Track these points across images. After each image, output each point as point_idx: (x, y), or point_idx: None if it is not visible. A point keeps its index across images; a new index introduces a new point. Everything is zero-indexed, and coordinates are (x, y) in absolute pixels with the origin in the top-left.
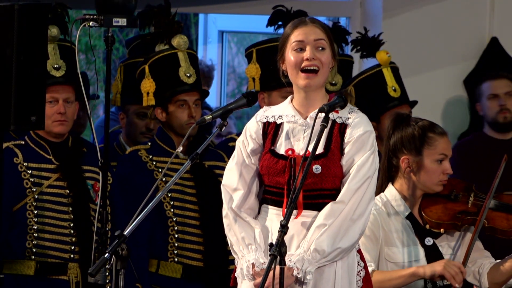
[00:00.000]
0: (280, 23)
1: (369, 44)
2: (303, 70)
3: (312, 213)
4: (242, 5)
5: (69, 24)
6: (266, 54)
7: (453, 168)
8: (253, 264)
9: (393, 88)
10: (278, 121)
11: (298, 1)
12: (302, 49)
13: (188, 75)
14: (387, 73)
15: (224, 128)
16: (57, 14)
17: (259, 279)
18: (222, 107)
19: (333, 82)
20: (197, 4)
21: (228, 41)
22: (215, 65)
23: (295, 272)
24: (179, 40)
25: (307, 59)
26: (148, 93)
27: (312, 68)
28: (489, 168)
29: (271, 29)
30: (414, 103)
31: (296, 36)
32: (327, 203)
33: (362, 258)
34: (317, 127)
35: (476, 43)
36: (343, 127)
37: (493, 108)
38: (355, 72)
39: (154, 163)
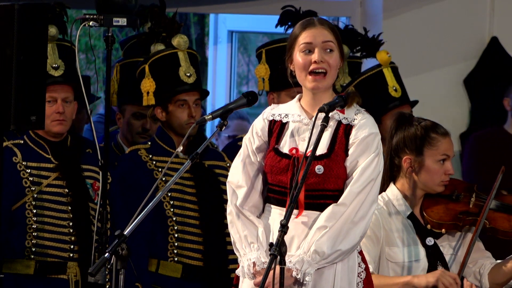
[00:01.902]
0: (289, 23)
1: (369, 44)
2: (311, 73)
3: (314, 213)
4: (251, 4)
5: (68, 24)
6: (276, 54)
7: (464, 158)
8: (254, 263)
9: (394, 88)
10: (284, 120)
11: (299, 0)
12: (310, 51)
13: (188, 74)
14: (388, 73)
15: (224, 128)
16: (55, 14)
17: (259, 278)
18: (222, 107)
19: (344, 84)
20: (207, 3)
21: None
22: (225, 64)
23: (294, 273)
24: (179, 40)
25: (315, 62)
26: (148, 93)
27: (320, 70)
28: (504, 164)
29: (277, 29)
30: (415, 103)
31: (304, 38)
32: (329, 204)
33: (363, 259)
34: (318, 127)
35: (476, 43)
36: (349, 128)
37: None
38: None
39: (154, 162)
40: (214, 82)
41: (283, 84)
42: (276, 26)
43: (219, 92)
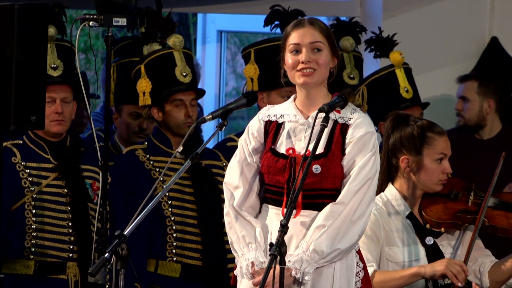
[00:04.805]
0: (277, 22)
1: (383, 44)
2: (299, 71)
3: (312, 213)
4: (241, 5)
5: (68, 24)
6: (264, 54)
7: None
8: (252, 263)
9: (406, 89)
10: (280, 120)
11: (298, 1)
12: (298, 51)
13: (184, 74)
14: (400, 74)
15: (224, 127)
16: (54, 14)
17: (258, 278)
18: (222, 107)
19: (351, 75)
20: (196, 4)
21: (228, 41)
22: (214, 64)
23: (293, 273)
24: (174, 40)
25: (302, 62)
26: (144, 93)
27: (308, 70)
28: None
29: (267, 29)
30: (426, 104)
31: (292, 38)
32: (327, 203)
33: (361, 259)
34: (317, 127)
35: (476, 43)
36: (345, 127)
37: None
38: (369, 70)
39: (152, 162)
40: (203, 82)
41: (275, 84)
42: (264, 25)
43: (208, 91)
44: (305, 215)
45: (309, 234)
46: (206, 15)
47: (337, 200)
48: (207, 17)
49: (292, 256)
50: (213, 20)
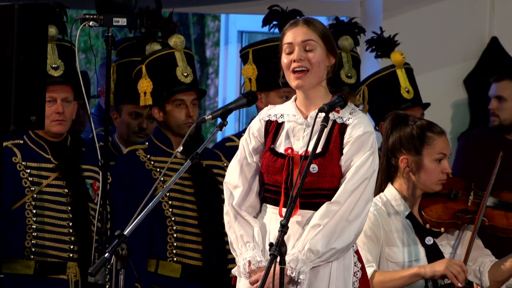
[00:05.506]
0: (275, 22)
1: (384, 44)
2: (294, 71)
3: (309, 212)
4: (242, 5)
5: (68, 24)
6: (263, 54)
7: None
8: (249, 262)
9: (406, 89)
10: (280, 120)
11: (299, 1)
12: (291, 51)
13: (185, 74)
14: (401, 74)
15: (224, 127)
16: (55, 14)
17: (254, 277)
18: (222, 107)
19: (349, 74)
20: (196, 4)
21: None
22: (235, 65)
23: (288, 272)
24: (175, 40)
25: (294, 61)
26: (145, 93)
27: (300, 69)
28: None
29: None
30: (427, 105)
31: (286, 38)
32: (324, 203)
33: (359, 259)
34: (317, 126)
35: (476, 43)
36: (343, 127)
37: None
38: (369, 71)
39: (152, 162)
40: (225, 82)
41: (273, 84)
42: (262, 26)
43: (230, 92)
44: (302, 214)
45: (305, 234)
46: (228, 16)
47: (333, 200)
48: (229, 18)
49: (288, 255)
50: (234, 21)
